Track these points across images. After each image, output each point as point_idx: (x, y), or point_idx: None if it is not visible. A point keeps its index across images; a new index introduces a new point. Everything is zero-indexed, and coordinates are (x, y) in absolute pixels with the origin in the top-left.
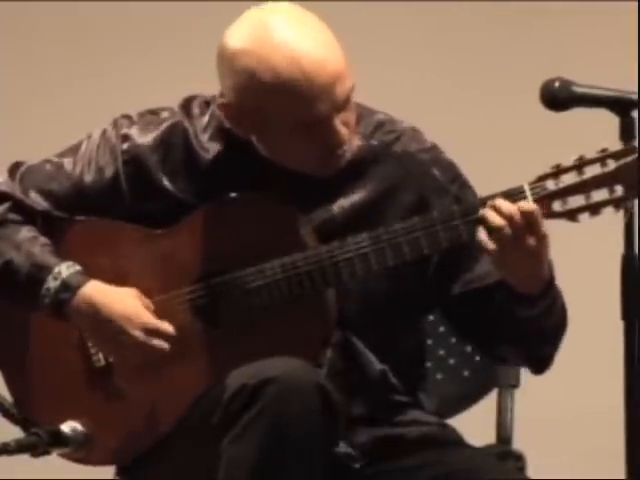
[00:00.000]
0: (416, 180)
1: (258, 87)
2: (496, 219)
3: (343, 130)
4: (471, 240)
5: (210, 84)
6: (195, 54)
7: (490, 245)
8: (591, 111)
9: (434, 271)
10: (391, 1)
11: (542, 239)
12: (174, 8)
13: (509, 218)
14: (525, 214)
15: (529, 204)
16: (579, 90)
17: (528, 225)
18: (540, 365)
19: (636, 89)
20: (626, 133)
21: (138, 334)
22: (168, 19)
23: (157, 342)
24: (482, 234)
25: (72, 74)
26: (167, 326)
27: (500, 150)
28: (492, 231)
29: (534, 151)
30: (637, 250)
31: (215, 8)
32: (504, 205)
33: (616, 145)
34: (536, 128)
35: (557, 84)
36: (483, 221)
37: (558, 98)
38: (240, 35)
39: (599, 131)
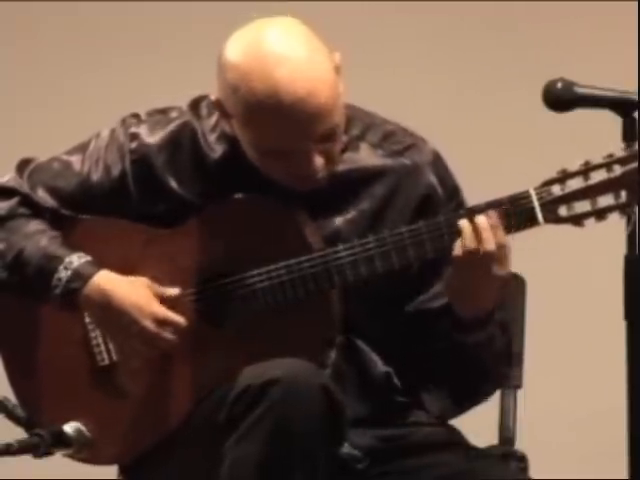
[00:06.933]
0: (418, 192)
1: (238, 103)
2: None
3: (318, 161)
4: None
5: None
6: (200, 54)
7: (457, 250)
8: (593, 112)
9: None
10: (392, 1)
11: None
12: (180, 8)
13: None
14: (495, 230)
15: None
16: (581, 91)
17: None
18: (464, 399)
19: (637, 89)
20: (628, 133)
21: (149, 324)
22: (174, 18)
23: (167, 334)
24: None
25: (76, 73)
26: (178, 317)
27: (502, 151)
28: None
29: (536, 152)
30: (639, 251)
31: (221, 8)
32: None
33: (618, 146)
34: (538, 129)
35: (559, 85)
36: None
37: (560, 99)
38: (235, 47)
39: (601, 132)
